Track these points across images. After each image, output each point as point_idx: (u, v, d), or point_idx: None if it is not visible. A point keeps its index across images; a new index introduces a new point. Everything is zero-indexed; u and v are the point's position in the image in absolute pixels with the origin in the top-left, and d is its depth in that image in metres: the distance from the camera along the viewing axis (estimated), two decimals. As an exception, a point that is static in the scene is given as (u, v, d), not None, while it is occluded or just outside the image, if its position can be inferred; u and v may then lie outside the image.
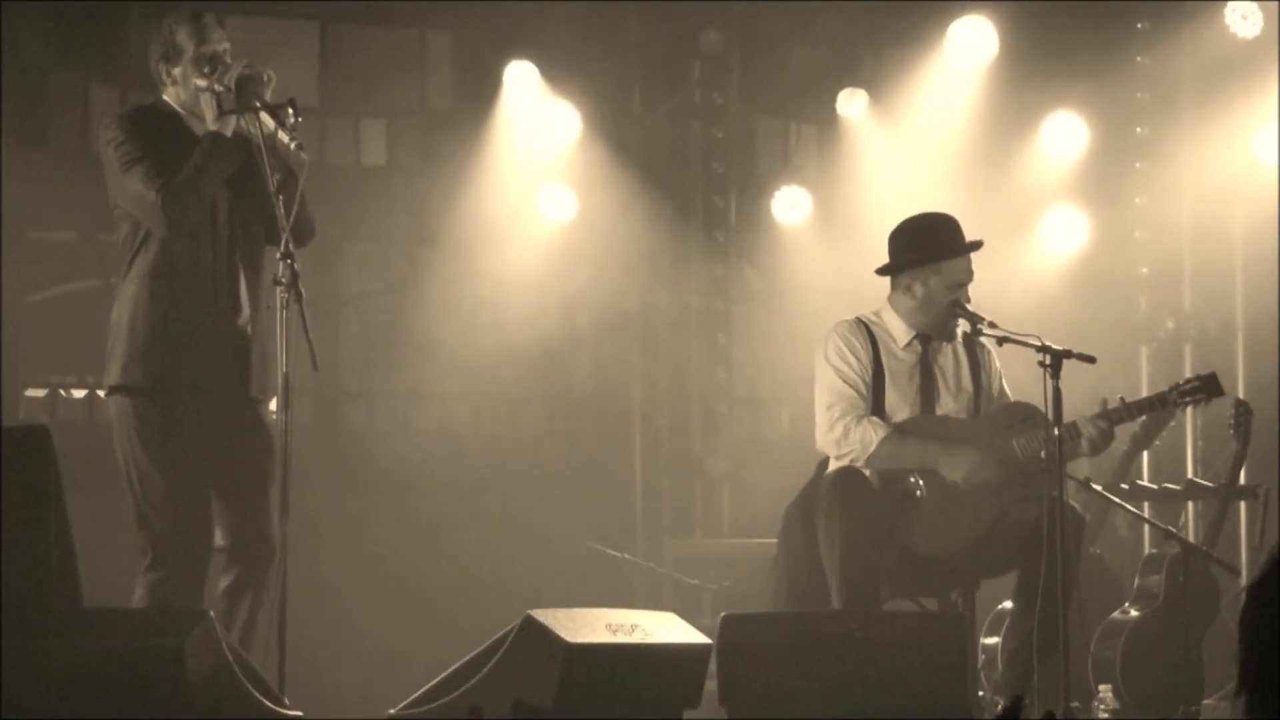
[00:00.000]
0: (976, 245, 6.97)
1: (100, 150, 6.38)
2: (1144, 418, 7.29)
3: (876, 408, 6.90)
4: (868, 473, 6.78)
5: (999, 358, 7.10)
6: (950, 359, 7.03)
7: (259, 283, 6.39)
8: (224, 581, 6.30)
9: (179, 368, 6.22)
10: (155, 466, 6.21)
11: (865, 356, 6.93)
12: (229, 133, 6.24)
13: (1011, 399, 7.09)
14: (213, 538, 6.27)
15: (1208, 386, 7.09)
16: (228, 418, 6.28)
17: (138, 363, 6.24)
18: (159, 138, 6.28)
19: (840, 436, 6.83)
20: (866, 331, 6.98)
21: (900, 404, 6.93)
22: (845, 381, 6.89)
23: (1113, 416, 6.91)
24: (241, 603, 6.31)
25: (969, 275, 6.93)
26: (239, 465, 6.32)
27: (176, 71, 6.34)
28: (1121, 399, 7.02)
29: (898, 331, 6.99)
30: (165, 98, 6.41)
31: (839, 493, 6.67)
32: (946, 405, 6.95)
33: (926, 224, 7.02)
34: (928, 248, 6.96)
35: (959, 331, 6.96)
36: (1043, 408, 6.52)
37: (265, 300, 6.33)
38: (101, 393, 6.45)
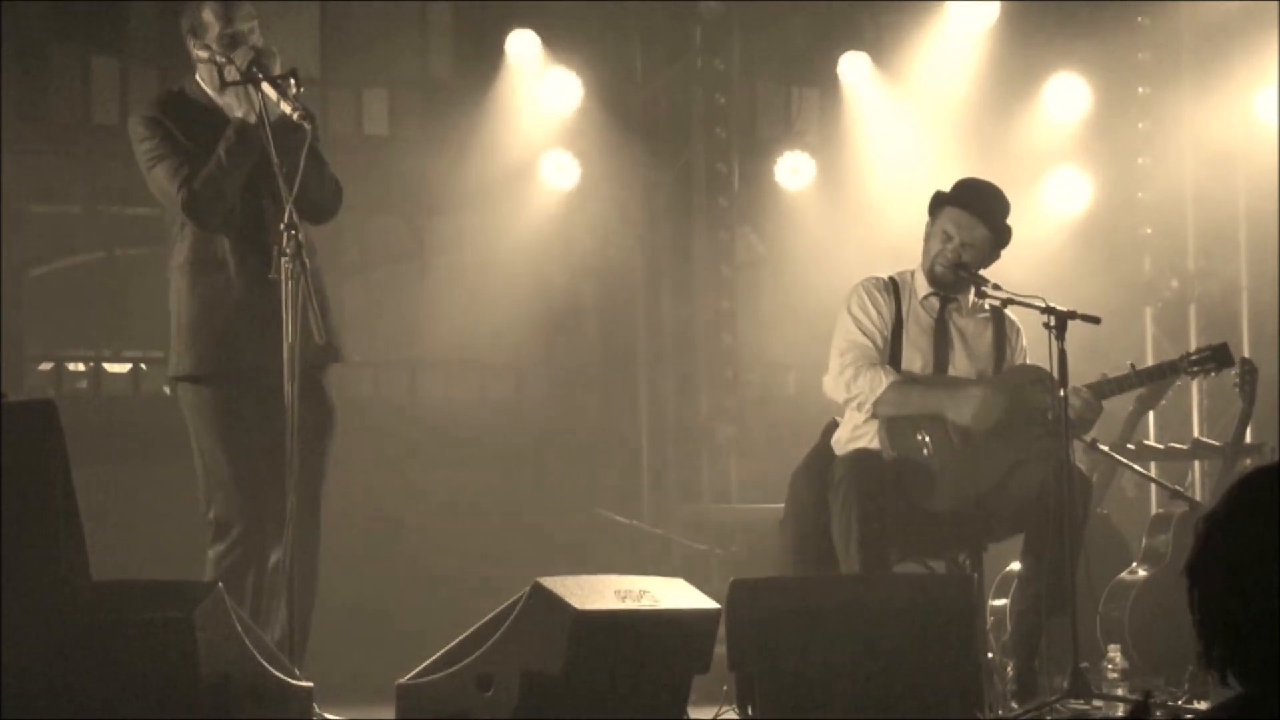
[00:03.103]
0: (965, 201, 6.93)
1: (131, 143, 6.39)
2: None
3: (893, 359, 6.90)
4: (878, 447, 6.77)
5: (1026, 336, 7.07)
6: (973, 325, 7.01)
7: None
8: (273, 556, 6.27)
9: (225, 355, 6.24)
10: (217, 446, 6.28)
11: (887, 312, 6.93)
12: (238, 109, 6.21)
13: None
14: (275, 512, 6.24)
15: (1218, 357, 7.09)
16: (282, 392, 6.19)
17: (188, 353, 6.31)
18: (187, 127, 6.26)
19: (850, 379, 6.83)
20: (893, 287, 6.98)
21: (915, 358, 6.93)
22: (863, 331, 6.90)
23: (1100, 389, 6.89)
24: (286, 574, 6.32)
25: (956, 229, 6.87)
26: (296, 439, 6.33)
27: (202, 51, 6.30)
28: (1131, 365, 7.02)
29: (920, 287, 6.99)
30: (198, 78, 6.36)
31: (853, 476, 6.65)
32: (960, 367, 6.95)
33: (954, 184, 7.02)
34: (933, 201, 6.99)
35: (970, 291, 6.94)
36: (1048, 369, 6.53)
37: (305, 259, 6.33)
38: (108, 366, 6.44)
